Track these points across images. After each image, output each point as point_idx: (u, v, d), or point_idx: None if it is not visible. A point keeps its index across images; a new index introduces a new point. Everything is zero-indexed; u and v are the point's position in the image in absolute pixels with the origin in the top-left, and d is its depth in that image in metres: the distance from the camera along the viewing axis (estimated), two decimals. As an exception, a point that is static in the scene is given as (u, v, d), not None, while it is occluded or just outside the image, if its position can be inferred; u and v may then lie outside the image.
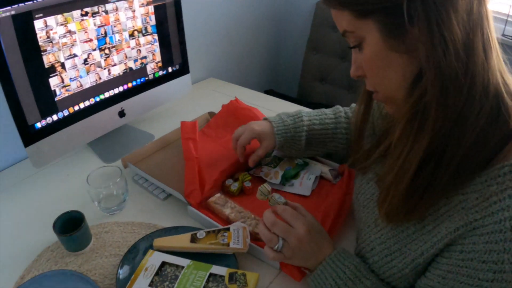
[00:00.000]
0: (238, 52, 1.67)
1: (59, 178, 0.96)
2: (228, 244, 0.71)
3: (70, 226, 0.73)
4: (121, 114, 1.03)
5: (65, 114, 0.90)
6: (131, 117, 1.06)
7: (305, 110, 0.91)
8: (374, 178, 0.67)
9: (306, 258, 0.64)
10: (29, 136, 0.83)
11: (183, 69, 1.16)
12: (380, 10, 0.47)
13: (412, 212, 0.53)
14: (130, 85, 1.03)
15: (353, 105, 0.91)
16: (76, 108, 0.92)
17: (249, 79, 1.78)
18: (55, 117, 0.88)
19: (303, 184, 0.90)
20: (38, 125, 0.85)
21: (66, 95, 0.88)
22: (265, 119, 0.91)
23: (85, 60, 0.90)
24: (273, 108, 1.26)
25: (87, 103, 0.94)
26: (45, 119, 0.86)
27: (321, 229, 0.66)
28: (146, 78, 1.07)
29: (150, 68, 1.06)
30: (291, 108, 1.30)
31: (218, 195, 0.85)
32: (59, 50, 0.84)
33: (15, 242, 0.79)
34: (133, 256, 0.72)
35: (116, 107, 1.01)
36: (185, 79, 1.17)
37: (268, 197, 0.69)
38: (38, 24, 0.78)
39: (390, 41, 0.49)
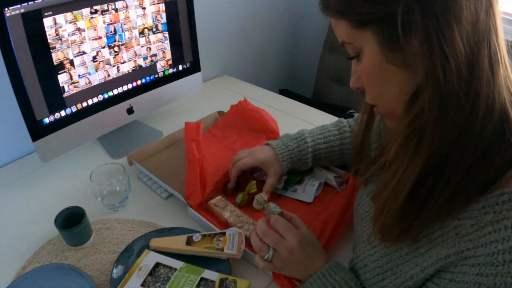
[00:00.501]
0: (253, 50, 1.65)
1: (66, 172, 0.98)
2: (222, 249, 0.71)
3: (72, 221, 0.74)
4: (130, 111, 1.04)
5: (73, 110, 0.91)
6: (139, 114, 1.06)
7: (307, 129, 0.89)
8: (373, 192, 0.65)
9: (296, 270, 0.63)
10: (37, 131, 0.85)
11: (194, 67, 1.15)
12: (377, 20, 0.45)
13: (405, 232, 0.51)
14: (139, 82, 1.03)
15: (358, 115, 0.88)
16: (84, 104, 0.93)
17: (264, 78, 1.76)
18: (63, 113, 0.89)
19: (306, 191, 0.88)
20: (46, 120, 0.86)
21: (75, 91, 0.90)
22: (267, 143, 0.88)
23: (94, 58, 0.91)
24: (286, 110, 1.24)
25: (95, 99, 0.95)
26: (53, 114, 0.87)
27: (314, 241, 0.65)
28: (156, 76, 1.07)
29: (160, 66, 1.06)
30: (305, 110, 1.27)
31: (218, 197, 0.84)
32: (68, 47, 0.85)
33: (19, 234, 0.81)
34: (129, 254, 0.73)
35: (125, 104, 1.01)
36: (196, 77, 1.17)
37: (264, 206, 0.68)
38: (47, 21, 0.79)
39: (388, 54, 0.46)
